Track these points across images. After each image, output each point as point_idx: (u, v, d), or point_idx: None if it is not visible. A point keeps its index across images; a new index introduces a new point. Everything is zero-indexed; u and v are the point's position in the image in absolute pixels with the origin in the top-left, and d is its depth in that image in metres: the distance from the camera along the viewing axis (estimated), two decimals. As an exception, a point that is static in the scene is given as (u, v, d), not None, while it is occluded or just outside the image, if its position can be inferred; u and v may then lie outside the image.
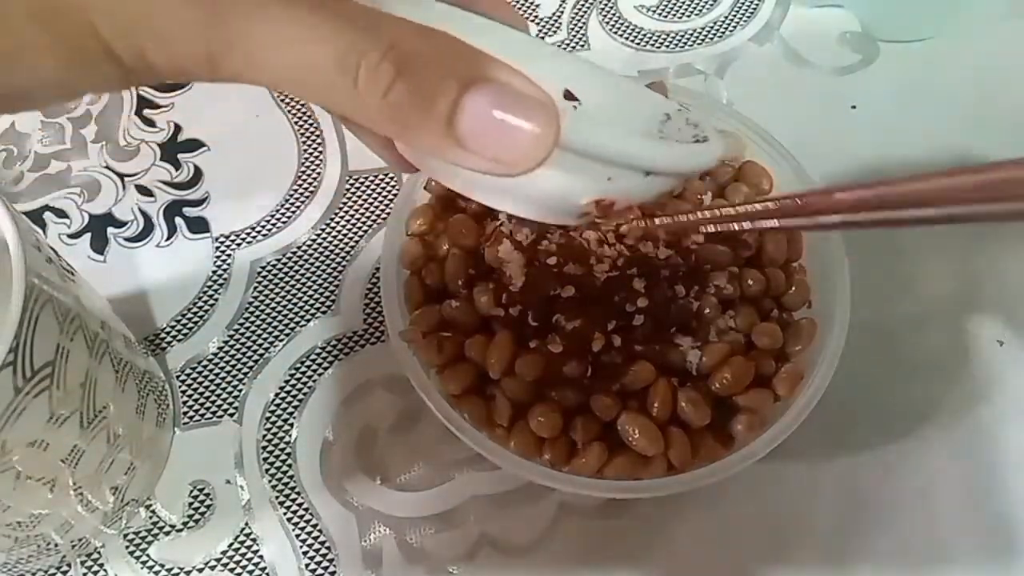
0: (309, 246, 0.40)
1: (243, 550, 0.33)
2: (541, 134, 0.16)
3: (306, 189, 0.42)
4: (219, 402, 0.36)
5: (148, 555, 0.33)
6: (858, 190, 0.20)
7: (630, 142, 0.21)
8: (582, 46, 0.46)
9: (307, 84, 0.17)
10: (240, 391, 0.36)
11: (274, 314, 0.38)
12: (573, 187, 0.22)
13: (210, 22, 0.16)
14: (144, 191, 0.42)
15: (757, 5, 0.47)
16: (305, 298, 0.39)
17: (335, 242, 0.40)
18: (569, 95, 0.22)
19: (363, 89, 0.16)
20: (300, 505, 0.34)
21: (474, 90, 0.16)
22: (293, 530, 0.34)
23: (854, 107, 0.43)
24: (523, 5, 0.48)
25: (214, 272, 0.39)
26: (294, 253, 0.40)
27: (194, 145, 0.43)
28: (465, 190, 0.25)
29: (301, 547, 0.33)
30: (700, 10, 0.47)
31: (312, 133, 0.43)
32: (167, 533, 0.34)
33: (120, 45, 0.16)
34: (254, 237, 0.40)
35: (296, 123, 0.44)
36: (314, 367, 0.37)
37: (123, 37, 0.16)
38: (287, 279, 0.39)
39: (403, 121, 0.16)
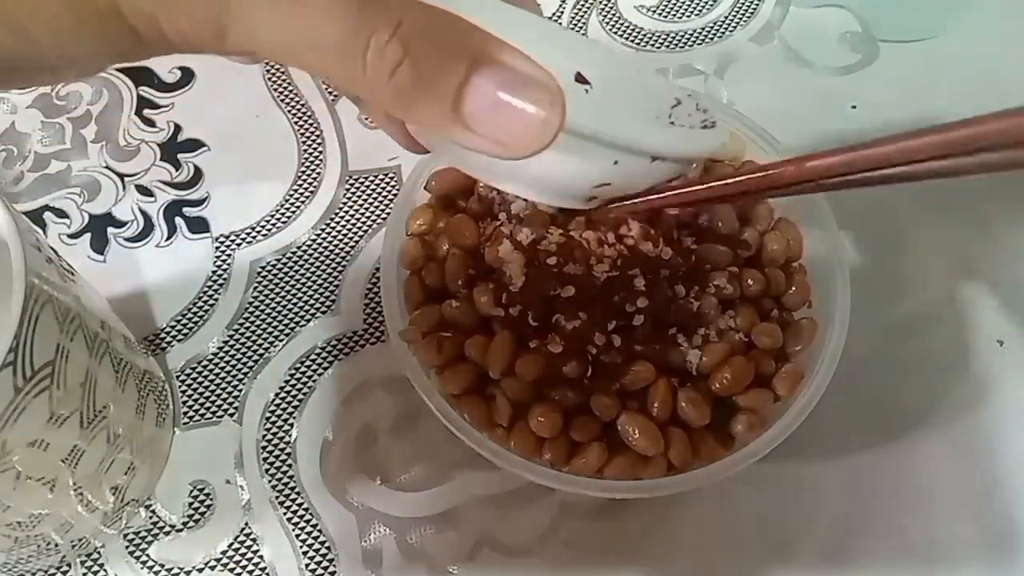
0: (309, 246, 0.40)
1: (243, 550, 0.33)
2: (547, 118, 0.16)
3: (306, 189, 0.42)
4: (219, 402, 0.36)
5: (148, 555, 0.33)
6: (830, 157, 0.20)
7: (637, 128, 0.21)
8: (582, 46, 0.46)
9: (314, 59, 0.17)
10: (240, 391, 0.36)
11: (274, 314, 0.38)
12: (580, 171, 0.22)
13: None
14: (144, 191, 0.42)
15: (757, 5, 0.47)
16: (305, 298, 0.39)
17: (335, 242, 0.40)
18: (580, 78, 0.22)
19: (371, 67, 0.16)
20: (300, 505, 0.34)
21: (481, 71, 0.16)
22: (293, 530, 0.34)
23: (854, 107, 0.43)
24: (523, 5, 0.48)
25: (214, 272, 0.39)
26: (294, 253, 0.40)
27: (194, 145, 0.43)
28: (472, 171, 0.25)
29: (301, 547, 0.33)
30: (700, 10, 0.47)
31: (312, 133, 0.43)
32: (167, 533, 0.34)
33: (135, 14, 0.16)
34: (254, 237, 0.40)
35: (296, 123, 0.44)
36: (314, 367, 0.37)
37: (138, 6, 0.16)
38: (287, 279, 0.39)
39: (410, 100, 0.16)
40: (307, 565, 0.33)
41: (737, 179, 0.23)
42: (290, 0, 0.16)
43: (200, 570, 0.33)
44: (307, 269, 0.39)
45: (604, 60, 0.26)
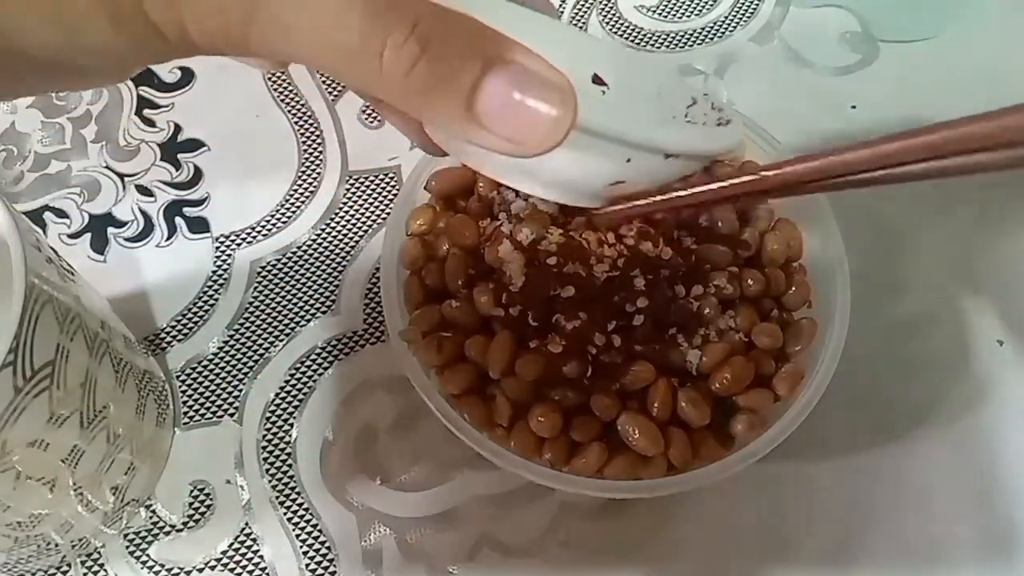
0: (309, 246, 0.40)
1: (243, 550, 0.33)
2: (559, 116, 0.16)
3: (306, 189, 0.42)
4: (219, 402, 0.36)
5: (148, 555, 0.33)
6: (808, 162, 0.21)
7: (650, 126, 0.21)
8: (582, 46, 0.46)
9: (332, 59, 0.17)
10: (240, 391, 0.36)
11: (274, 314, 0.38)
12: (593, 168, 0.22)
13: None
14: (144, 191, 0.42)
15: (757, 5, 0.47)
16: (305, 298, 0.39)
17: (335, 242, 0.40)
18: (597, 79, 0.23)
19: (387, 66, 0.16)
20: (300, 505, 0.34)
21: (495, 70, 0.16)
22: (293, 530, 0.34)
23: (854, 107, 0.43)
24: (523, 5, 0.48)
25: (214, 272, 0.39)
26: (294, 253, 0.40)
27: (194, 145, 0.43)
28: (489, 171, 0.25)
29: (301, 547, 0.33)
30: (700, 10, 0.47)
31: (312, 133, 0.43)
32: (167, 533, 0.34)
33: (162, 20, 0.17)
34: (254, 237, 0.40)
35: (296, 123, 0.44)
36: (314, 367, 0.37)
37: (164, 12, 0.17)
38: (287, 279, 0.39)
39: (425, 98, 0.17)
40: (307, 565, 0.33)
41: (732, 182, 0.23)
42: (310, 2, 0.16)
43: (200, 570, 0.33)
44: (307, 269, 0.39)
45: (622, 62, 0.26)
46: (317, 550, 0.33)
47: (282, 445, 0.35)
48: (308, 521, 0.34)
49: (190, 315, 0.38)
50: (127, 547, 0.34)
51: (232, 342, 0.38)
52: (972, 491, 0.34)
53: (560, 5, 0.48)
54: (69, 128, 0.44)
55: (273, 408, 0.36)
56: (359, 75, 0.17)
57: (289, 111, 0.44)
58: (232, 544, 0.33)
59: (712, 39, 0.46)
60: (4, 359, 0.23)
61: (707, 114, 0.27)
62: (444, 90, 0.16)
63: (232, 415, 0.36)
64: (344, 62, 0.17)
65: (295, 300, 0.39)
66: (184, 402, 0.36)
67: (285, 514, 0.34)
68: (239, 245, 0.40)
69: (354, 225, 0.41)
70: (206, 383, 0.37)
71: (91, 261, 0.40)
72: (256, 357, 0.37)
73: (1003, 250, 0.39)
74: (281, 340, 0.38)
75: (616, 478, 0.29)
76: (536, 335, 0.30)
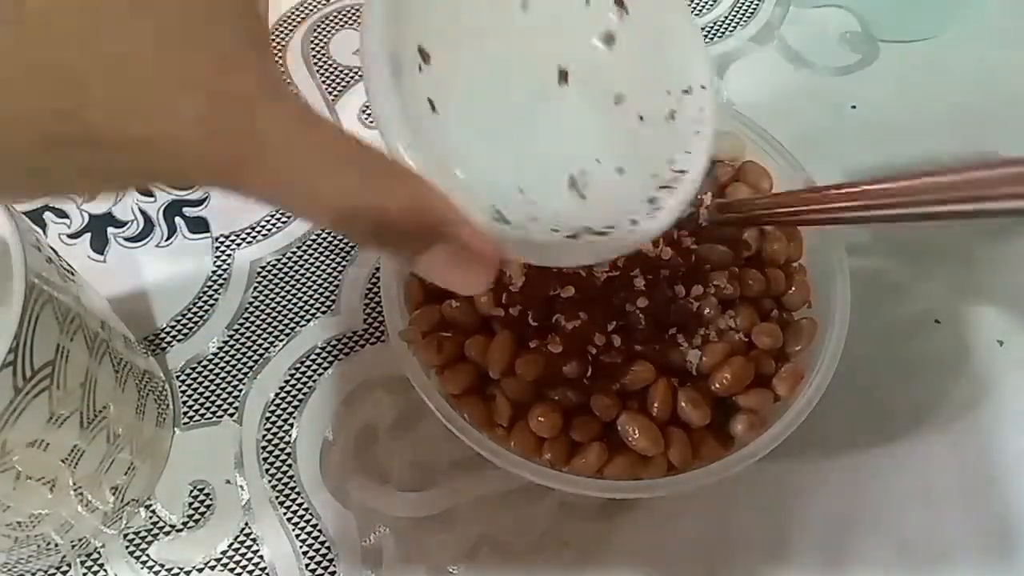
0: (309, 246, 0.40)
1: (243, 550, 0.33)
2: (482, 280, 0.21)
3: (306, 189, 0.42)
4: (219, 402, 0.36)
5: (148, 555, 0.33)
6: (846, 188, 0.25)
7: (550, 255, 0.24)
8: (582, 46, 0.46)
9: (310, 215, 0.19)
10: (240, 391, 0.36)
11: (274, 314, 0.38)
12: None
13: (226, 151, 0.17)
14: (144, 191, 0.42)
15: (757, 5, 0.47)
16: (305, 298, 0.39)
17: (335, 242, 0.40)
18: (609, 37, 0.25)
19: (354, 233, 0.20)
20: (300, 505, 0.34)
21: (435, 246, 0.20)
22: (293, 530, 0.34)
23: (854, 107, 0.43)
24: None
25: (214, 272, 0.39)
26: (294, 253, 0.40)
27: (194, 145, 0.43)
28: None
29: (301, 547, 0.33)
30: (700, 10, 0.47)
31: (312, 133, 0.43)
32: (167, 533, 0.34)
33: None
34: (254, 237, 0.40)
35: (296, 123, 0.44)
36: (314, 367, 0.37)
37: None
38: (287, 279, 0.39)
39: (381, 248, 0.21)
40: (307, 565, 0.33)
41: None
42: (280, 167, 0.17)
43: (200, 570, 0.33)
44: (307, 269, 0.39)
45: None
46: (317, 550, 0.33)
47: (282, 445, 0.35)
48: (308, 521, 0.34)
49: (190, 315, 0.38)
50: (127, 547, 0.34)
51: (232, 342, 0.38)
52: (971, 491, 0.34)
53: (560, 5, 0.48)
54: (69, 128, 0.44)
55: (273, 408, 0.36)
56: (328, 225, 0.20)
57: (289, 111, 0.44)
58: (232, 544, 0.33)
59: (712, 39, 0.46)
60: (4, 359, 0.23)
61: (681, 130, 0.26)
62: (394, 248, 0.21)
63: (232, 415, 0.36)
64: (320, 220, 0.19)
65: (295, 300, 0.39)
66: (184, 402, 0.36)
67: (285, 514, 0.34)
68: (239, 245, 0.40)
69: (354, 225, 0.40)
70: (206, 383, 0.37)
71: (91, 261, 0.40)
72: (256, 357, 0.37)
73: (1004, 250, 0.39)
74: (281, 340, 0.38)
75: (616, 478, 0.29)
76: (536, 335, 0.30)
